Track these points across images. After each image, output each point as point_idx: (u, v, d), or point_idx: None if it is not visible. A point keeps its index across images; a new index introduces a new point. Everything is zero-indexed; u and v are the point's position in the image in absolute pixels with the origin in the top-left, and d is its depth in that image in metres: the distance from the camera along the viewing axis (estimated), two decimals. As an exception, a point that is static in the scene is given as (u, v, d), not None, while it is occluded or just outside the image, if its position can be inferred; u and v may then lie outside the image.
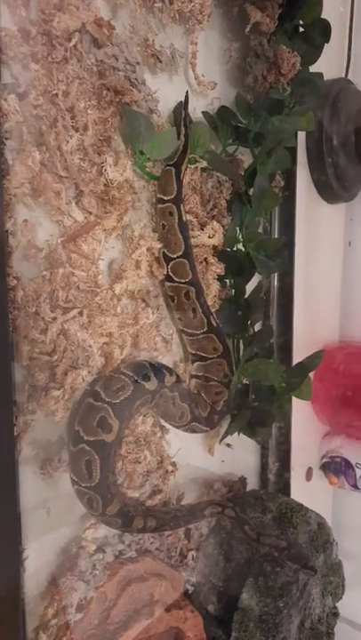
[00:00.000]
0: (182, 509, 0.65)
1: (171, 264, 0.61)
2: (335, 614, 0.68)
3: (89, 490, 0.52)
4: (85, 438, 0.50)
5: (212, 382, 0.67)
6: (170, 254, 0.61)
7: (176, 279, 0.62)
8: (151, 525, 0.59)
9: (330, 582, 0.67)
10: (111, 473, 0.53)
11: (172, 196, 0.59)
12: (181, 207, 0.60)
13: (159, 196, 0.60)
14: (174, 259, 0.61)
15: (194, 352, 0.68)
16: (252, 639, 0.61)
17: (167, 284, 0.63)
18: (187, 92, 0.61)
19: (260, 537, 0.64)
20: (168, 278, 0.62)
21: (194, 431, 0.64)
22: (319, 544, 0.68)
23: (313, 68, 0.76)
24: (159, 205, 0.60)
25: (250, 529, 0.64)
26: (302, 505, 0.71)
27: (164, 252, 0.61)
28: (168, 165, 0.59)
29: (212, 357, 0.67)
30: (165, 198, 0.59)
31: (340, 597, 0.70)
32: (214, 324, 0.66)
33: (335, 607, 0.68)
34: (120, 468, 0.58)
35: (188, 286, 0.62)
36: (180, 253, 0.60)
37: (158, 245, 0.59)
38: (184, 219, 0.60)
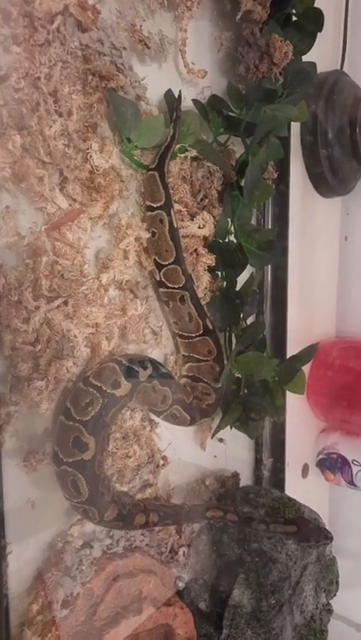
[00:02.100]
0: (184, 507, 0.65)
1: (163, 270, 0.60)
2: (329, 611, 0.67)
3: (82, 504, 0.51)
4: (65, 460, 0.50)
5: (202, 383, 0.66)
6: (161, 261, 0.60)
7: (169, 285, 0.61)
8: (154, 520, 0.59)
9: (323, 578, 0.66)
10: (100, 483, 0.52)
11: (161, 203, 0.58)
12: (172, 213, 0.59)
13: (147, 203, 0.59)
14: (166, 265, 0.60)
15: (187, 354, 0.67)
16: (243, 636, 0.60)
17: (161, 289, 0.62)
18: (180, 91, 0.60)
19: (269, 526, 0.63)
20: (161, 284, 0.61)
21: (175, 417, 0.61)
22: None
23: (308, 60, 0.75)
24: (148, 213, 0.59)
25: (258, 523, 0.63)
26: (295, 500, 0.70)
27: (155, 260, 0.60)
28: (150, 170, 0.58)
29: (206, 360, 0.66)
30: (154, 205, 0.58)
31: (335, 594, 0.69)
32: (210, 327, 0.65)
33: (329, 604, 0.67)
34: (110, 464, 0.57)
35: (182, 291, 0.62)
36: (172, 260, 0.60)
37: (147, 235, 0.58)
38: (175, 225, 0.59)
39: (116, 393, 0.52)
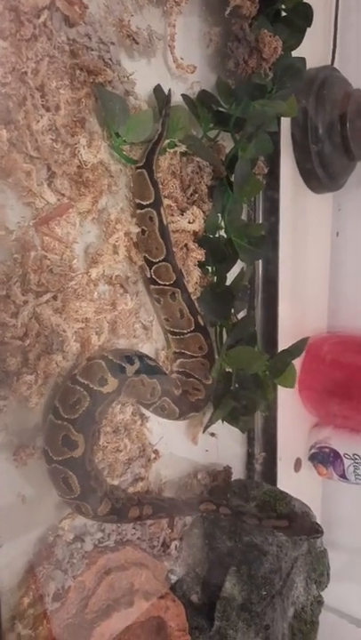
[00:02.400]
0: (178, 500, 0.65)
1: (153, 268, 0.61)
2: (320, 602, 0.68)
3: (74, 500, 0.52)
4: (55, 458, 0.50)
5: (192, 379, 0.66)
6: (152, 259, 0.60)
7: (160, 282, 0.61)
8: (148, 513, 0.60)
9: (314, 570, 0.67)
10: (92, 479, 0.53)
11: (151, 201, 0.58)
12: (161, 210, 0.59)
13: (137, 201, 0.59)
14: (157, 263, 0.60)
15: (179, 350, 0.67)
16: (234, 628, 0.61)
17: (152, 287, 0.62)
18: (169, 89, 0.60)
19: (261, 521, 0.64)
20: (152, 281, 0.62)
21: (163, 409, 0.61)
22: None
23: (298, 56, 0.75)
24: (138, 211, 0.59)
25: (250, 517, 0.64)
26: (286, 493, 0.70)
27: (145, 257, 0.60)
28: (139, 168, 0.58)
29: (196, 356, 0.66)
30: (144, 203, 0.58)
31: (326, 586, 0.69)
32: (201, 324, 0.66)
33: (320, 595, 0.68)
34: (100, 458, 0.57)
35: (173, 288, 0.62)
36: (162, 257, 0.60)
37: (136, 230, 0.58)
38: (165, 222, 0.59)
39: (104, 390, 0.52)
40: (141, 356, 0.57)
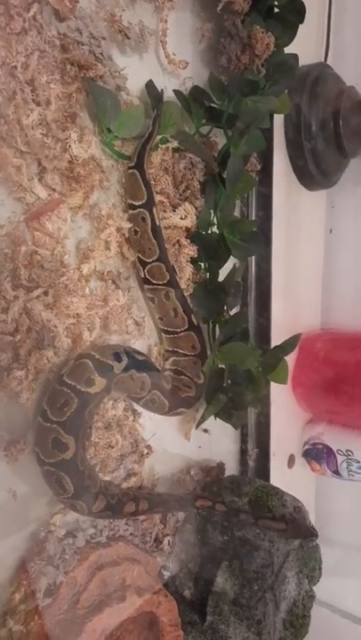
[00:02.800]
0: (174, 495, 0.65)
1: (147, 268, 0.61)
2: (311, 597, 0.68)
3: (69, 499, 0.52)
4: (46, 461, 0.50)
5: (184, 377, 0.66)
6: (145, 259, 0.60)
7: (154, 282, 0.61)
8: (143, 508, 0.60)
9: (306, 565, 0.67)
10: (85, 477, 0.53)
11: (143, 202, 0.58)
12: (154, 211, 0.59)
13: (129, 201, 0.59)
14: (150, 263, 0.60)
15: (171, 349, 0.67)
16: (226, 622, 0.61)
17: (145, 286, 0.63)
18: (161, 90, 0.60)
19: (257, 521, 0.64)
20: (146, 281, 0.62)
21: (153, 402, 0.60)
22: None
23: (292, 53, 0.75)
24: (130, 211, 0.59)
25: (245, 515, 0.64)
26: (279, 488, 0.70)
27: (139, 257, 0.61)
28: (130, 168, 0.58)
29: (190, 355, 0.67)
30: (136, 204, 0.58)
31: (318, 581, 0.70)
32: (195, 323, 0.66)
33: (312, 590, 0.68)
34: (93, 454, 0.57)
35: (167, 287, 0.62)
36: (155, 258, 0.60)
37: (128, 225, 0.58)
38: (157, 223, 0.59)
39: (91, 390, 0.51)
40: (129, 352, 0.56)
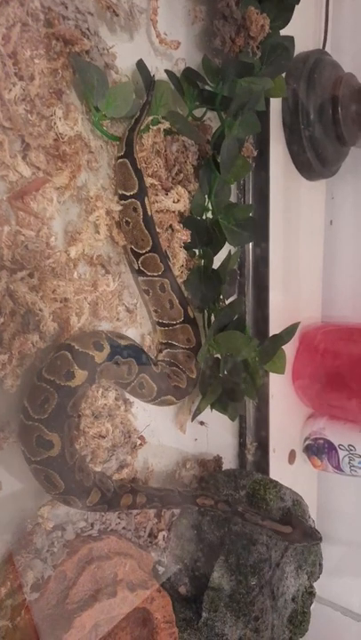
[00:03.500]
0: (174, 491, 0.64)
1: (140, 259, 0.59)
2: (311, 593, 0.66)
3: (61, 495, 0.50)
4: (33, 459, 0.48)
5: (177, 369, 0.64)
6: (138, 250, 0.59)
7: (148, 273, 0.60)
8: (141, 501, 0.58)
9: (305, 560, 0.65)
10: (76, 472, 0.51)
11: (135, 192, 0.56)
12: (145, 201, 0.57)
13: (120, 191, 0.57)
14: (144, 254, 0.59)
15: (166, 341, 0.65)
16: (222, 619, 0.59)
17: (140, 278, 0.61)
18: (153, 76, 0.59)
19: (264, 521, 0.62)
20: (140, 273, 0.60)
21: (142, 387, 0.57)
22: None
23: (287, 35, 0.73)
24: (121, 202, 0.57)
25: (251, 515, 0.62)
26: (277, 482, 0.68)
27: (131, 248, 0.59)
28: (120, 157, 0.56)
29: (184, 348, 0.65)
30: (127, 194, 0.57)
31: (318, 577, 0.68)
32: (191, 316, 0.64)
33: (312, 586, 0.66)
34: (83, 443, 0.55)
35: (162, 279, 0.61)
36: (149, 248, 0.58)
37: (118, 208, 0.56)
38: (149, 213, 0.58)
39: (72, 384, 0.48)
40: (111, 338, 0.53)
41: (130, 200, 0.57)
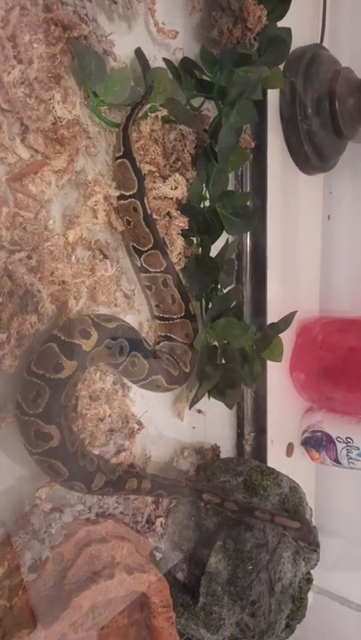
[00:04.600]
0: (181, 482, 0.64)
1: (143, 256, 0.60)
2: (309, 580, 0.66)
3: (67, 481, 0.51)
4: (34, 451, 0.48)
5: (171, 358, 0.65)
6: (140, 248, 0.60)
7: (151, 270, 0.61)
8: (146, 487, 0.59)
9: (302, 547, 0.65)
10: (79, 458, 0.51)
11: (134, 191, 0.57)
12: (145, 200, 0.58)
13: (120, 191, 0.58)
14: (146, 251, 0.60)
15: (164, 334, 0.66)
16: (220, 603, 0.59)
17: (142, 274, 0.62)
18: (151, 82, 0.59)
19: (274, 517, 0.62)
20: (143, 270, 0.61)
21: (133, 365, 0.57)
22: (290, 507, 0.66)
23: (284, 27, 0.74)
24: (121, 201, 0.58)
25: (261, 513, 0.62)
26: (274, 469, 0.69)
27: (134, 246, 0.60)
28: (119, 157, 0.57)
29: (182, 342, 0.65)
30: (127, 194, 0.57)
31: (315, 563, 0.68)
32: (192, 312, 0.65)
33: (309, 573, 0.66)
34: (80, 426, 0.56)
35: (165, 274, 0.62)
36: (151, 246, 0.59)
37: (116, 193, 0.57)
38: (149, 212, 0.59)
39: (62, 376, 0.47)
40: (98, 323, 0.51)
41: (130, 200, 0.57)
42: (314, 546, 0.64)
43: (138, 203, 0.57)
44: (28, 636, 0.47)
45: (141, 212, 0.58)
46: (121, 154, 0.57)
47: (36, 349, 0.49)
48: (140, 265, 0.61)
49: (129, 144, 0.57)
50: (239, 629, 0.59)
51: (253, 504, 0.64)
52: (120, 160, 0.57)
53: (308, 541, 0.63)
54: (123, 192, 0.57)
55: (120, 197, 0.58)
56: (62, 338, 0.48)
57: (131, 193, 0.57)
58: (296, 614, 0.63)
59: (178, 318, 0.65)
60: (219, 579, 0.60)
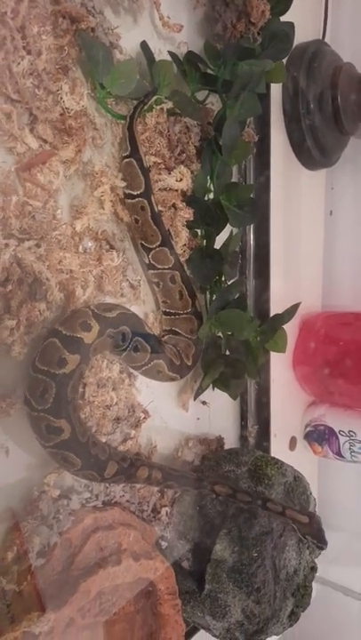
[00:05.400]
0: (191, 474, 0.65)
1: (151, 253, 0.61)
2: (313, 568, 0.66)
3: (80, 470, 0.52)
4: (46, 445, 0.49)
5: (175, 349, 0.65)
6: (148, 245, 0.61)
7: (159, 266, 0.62)
8: (157, 477, 0.59)
9: (310, 543, 0.65)
10: (91, 447, 0.52)
11: (141, 190, 0.58)
12: (152, 199, 0.59)
13: (127, 191, 0.58)
14: (154, 248, 0.61)
15: (169, 328, 0.67)
16: (225, 590, 0.60)
17: (150, 271, 0.63)
18: (152, 89, 0.59)
19: (285, 510, 0.62)
20: (151, 266, 0.62)
21: (136, 350, 0.56)
22: (295, 496, 0.66)
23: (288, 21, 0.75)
24: (129, 200, 0.59)
25: (273, 504, 0.62)
26: (278, 459, 0.69)
27: (142, 244, 0.61)
28: (125, 157, 0.58)
29: (186, 337, 0.66)
30: (134, 193, 0.58)
31: (319, 554, 0.68)
32: (198, 309, 0.66)
33: (313, 562, 0.67)
34: (88, 413, 0.56)
35: (173, 271, 0.63)
36: (159, 243, 0.60)
37: (122, 184, 0.57)
38: (156, 210, 0.59)
39: (66, 370, 0.47)
40: (98, 314, 0.51)
41: (137, 199, 0.58)
42: (321, 544, 0.64)
43: (145, 202, 0.58)
44: (36, 619, 0.48)
45: (149, 211, 0.59)
46: (128, 153, 0.58)
47: (40, 344, 0.49)
48: (148, 262, 0.62)
49: (135, 143, 0.58)
50: (244, 616, 0.60)
51: (266, 495, 0.64)
52: (127, 160, 0.58)
53: (316, 538, 0.63)
54: (130, 191, 0.58)
55: (128, 197, 0.59)
56: (64, 332, 0.49)
57: (138, 192, 0.58)
58: (301, 602, 0.63)
59: (184, 314, 0.66)
60: (224, 566, 0.60)
